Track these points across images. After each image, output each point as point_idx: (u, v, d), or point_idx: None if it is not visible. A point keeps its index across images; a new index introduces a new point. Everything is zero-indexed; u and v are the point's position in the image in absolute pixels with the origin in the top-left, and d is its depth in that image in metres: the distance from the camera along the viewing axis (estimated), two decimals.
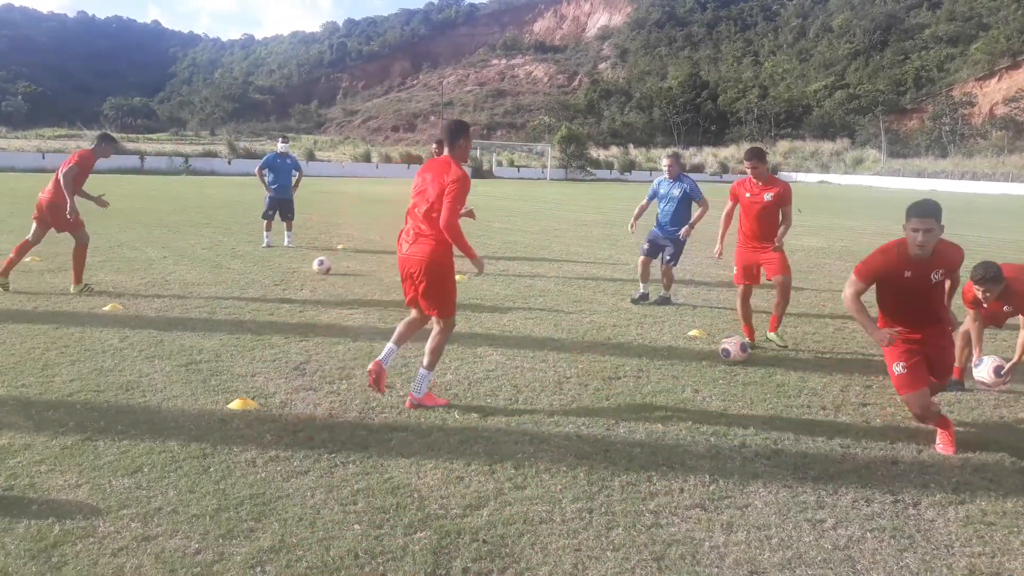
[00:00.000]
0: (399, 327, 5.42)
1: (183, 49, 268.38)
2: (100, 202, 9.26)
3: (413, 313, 5.39)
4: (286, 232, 13.83)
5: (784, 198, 7.17)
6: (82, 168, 8.81)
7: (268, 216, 13.64)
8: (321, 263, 10.93)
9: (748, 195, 7.23)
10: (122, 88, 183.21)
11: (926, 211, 4.63)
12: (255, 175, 14.25)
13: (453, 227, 4.97)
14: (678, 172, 9.26)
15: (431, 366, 5.29)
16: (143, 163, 45.16)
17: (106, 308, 8.03)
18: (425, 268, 5.07)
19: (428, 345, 5.29)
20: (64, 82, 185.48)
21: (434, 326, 5.30)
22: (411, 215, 5.22)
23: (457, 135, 5.24)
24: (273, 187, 13.59)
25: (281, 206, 13.70)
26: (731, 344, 6.67)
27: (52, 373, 5.71)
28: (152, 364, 6.06)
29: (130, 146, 52.02)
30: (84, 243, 9.02)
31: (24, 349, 6.33)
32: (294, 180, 13.92)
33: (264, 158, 14.03)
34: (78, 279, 8.97)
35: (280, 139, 14.55)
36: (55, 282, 9.37)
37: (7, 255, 9.03)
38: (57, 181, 8.74)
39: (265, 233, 13.67)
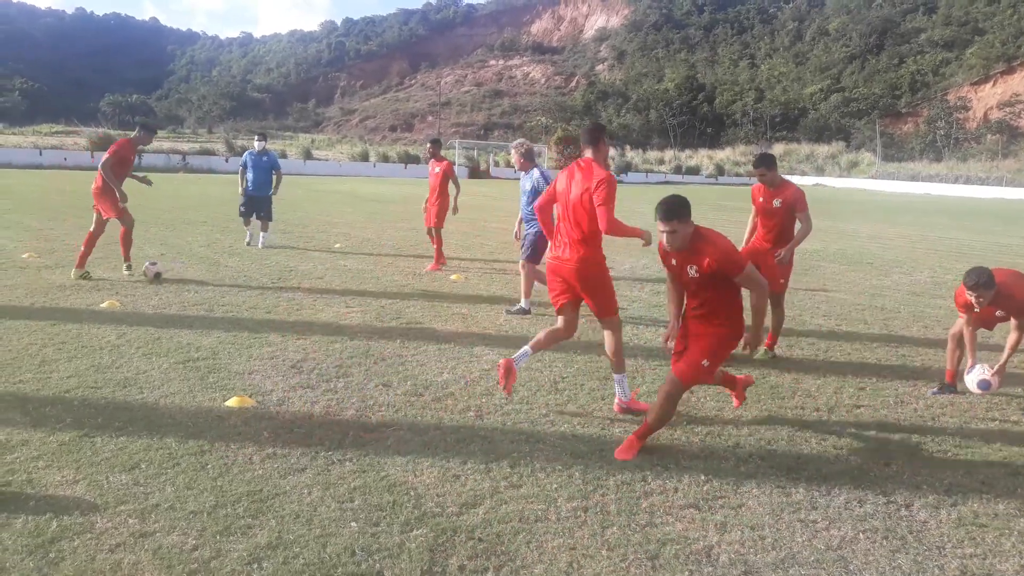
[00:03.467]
0: (540, 334, 5.40)
1: (181, 47, 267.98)
2: (145, 180, 10.36)
3: (559, 322, 5.41)
4: (261, 233, 13.39)
5: (793, 203, 6.78)
6: (119, 158, 9.64)
7: (244, 214, 13.60)
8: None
9: (761, 199, 7.01)
10: (120, 85, 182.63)
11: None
12: (237, 173, 14.08)
13: (615, 226, 5.08)
14: (528, 164, 8.41)
15: (620, 367, 5.34)
16: (140, 160, 44.98)
17: (103, 305, 8.04)
18: (581, 273, 5.19)
19: (608, 350, 5.39)
20: (61, 79, 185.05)
21: (604, 330, 5.40)
22: (563, 221, 5.29)
23: (597, 137, 5.33)
24: (250, 185, 13.43)
25: (257, 204, 13.47)
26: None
27: (49, 369, 5.72)
28: (149, 361, 6.07)
29: None
30: (129, 227, 9.84)
31: (21, 345, 6.34)
32: (273, 180, 13.65)
33: (243, 157, 13.88)
34: (127, 258, 9.98)
35: (256, 137, 14.07)
36: (52, 278, 9.37)
37: (9, 252, 9.01)
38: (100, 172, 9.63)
39: (247, 230, 13.62)
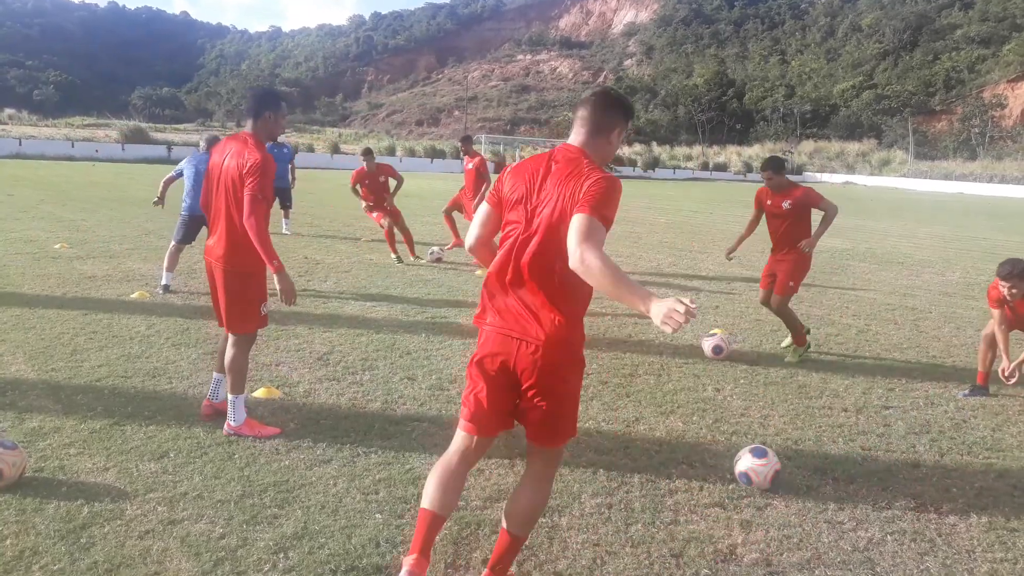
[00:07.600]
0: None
1: (211, 40, 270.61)
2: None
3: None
4: (284, 220, 14.35)
5: (806, 201, 6.71)
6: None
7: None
8: (432, 253, 11.69)
9: (769, 203, 6.94)
10: (150, 78, 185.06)
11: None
12: None
13: (257, 227, 4.31)
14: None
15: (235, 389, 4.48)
16: (170, 153, 45.53)
17: (133, 295, 8.14)
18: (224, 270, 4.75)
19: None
20: (93, 71, 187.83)
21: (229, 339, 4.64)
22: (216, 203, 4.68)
23: (263, 106, 4.43)
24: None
25: (280, 194, 14.09)
26: (718, 340, 6.76)
27: (81, 358, 5.81)
28: (178, 351, 6.15)
29: (157, 136, 52.52)
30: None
31: (54, 334, 6.44)
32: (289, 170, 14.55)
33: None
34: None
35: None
36: (84, 269, 9.50)
37: (43, 242, 9.13)
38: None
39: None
